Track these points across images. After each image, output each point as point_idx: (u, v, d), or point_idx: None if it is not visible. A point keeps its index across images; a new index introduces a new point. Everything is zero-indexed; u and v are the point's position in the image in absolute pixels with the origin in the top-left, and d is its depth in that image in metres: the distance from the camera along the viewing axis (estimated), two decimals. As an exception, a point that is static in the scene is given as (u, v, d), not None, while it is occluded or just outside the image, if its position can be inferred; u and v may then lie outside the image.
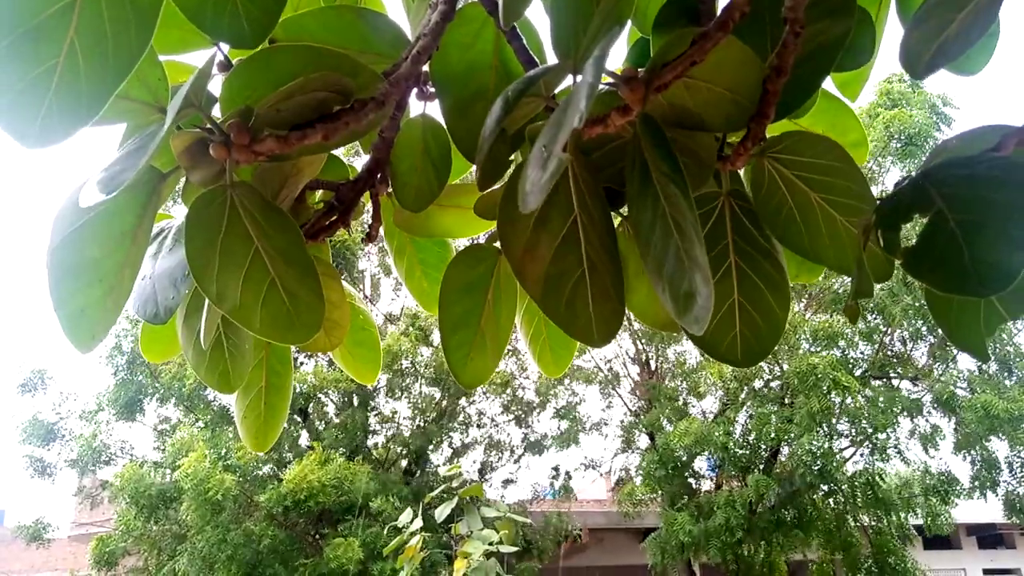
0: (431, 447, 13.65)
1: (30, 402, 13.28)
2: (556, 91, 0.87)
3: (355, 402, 13.38)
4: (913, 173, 0.75)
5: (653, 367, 15.78)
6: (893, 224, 0.69)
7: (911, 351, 14.46)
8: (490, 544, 4.94)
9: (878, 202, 0.76)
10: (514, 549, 5.27)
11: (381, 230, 1.26)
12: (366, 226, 1.21)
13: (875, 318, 13.43)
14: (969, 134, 0.75)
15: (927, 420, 13.46)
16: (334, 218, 1.08)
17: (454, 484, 5.76)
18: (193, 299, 1.10)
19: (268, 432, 1.26)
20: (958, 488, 13.12)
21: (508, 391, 14.12)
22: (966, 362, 14.15)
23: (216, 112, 0.92)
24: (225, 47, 0.98)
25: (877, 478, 12.98)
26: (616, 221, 1.00)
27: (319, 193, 1.22)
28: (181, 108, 0.77)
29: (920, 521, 13.56)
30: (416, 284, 1.31)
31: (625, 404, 15.65)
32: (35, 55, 0.59)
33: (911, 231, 0.70)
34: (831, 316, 12.85)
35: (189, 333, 1.13)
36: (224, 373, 1.15)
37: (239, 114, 0.86)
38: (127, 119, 0.92)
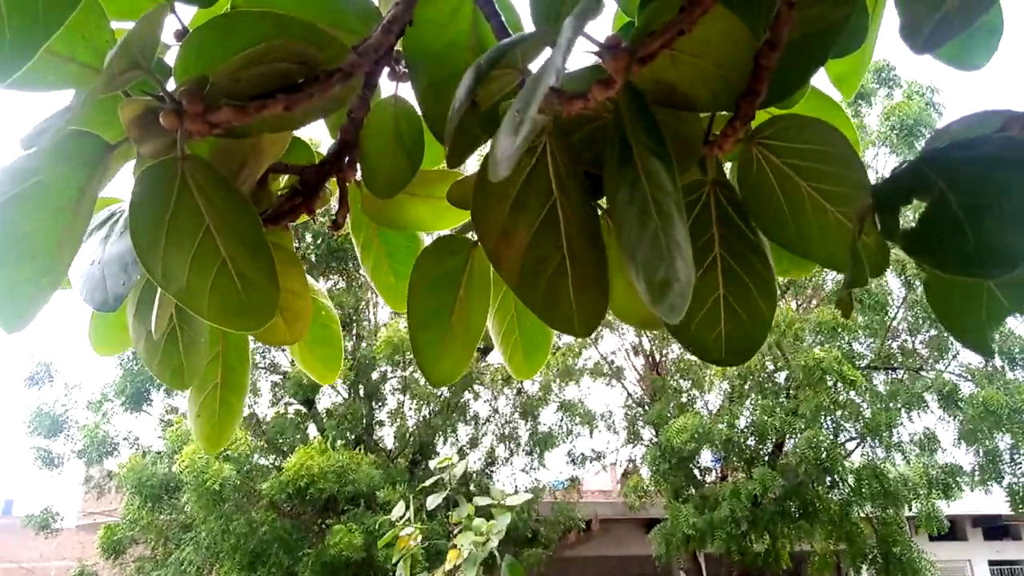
0: (437, 439, 13.50)
1: (36, 395, 13.13)
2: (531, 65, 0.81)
3: (361, 393, 13.23)
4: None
5: (657, 360, 15.70)
6: (891, 208, 0.65)
7: (915, 343, 14.44)
8: (480, 534, 4.91)
9: (874, 187, 0.71)
10: (497, 540, 5.21)
11: (348, 222, 1.20)
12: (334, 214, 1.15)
13: (873, 315, 13.36)
14: (971, 118, 0.71)
15: (931, 413, 13.41)
16: (298, 202, 1.01)
17: (445, 477, 5.69)
18: (146, 288, 1.03)
19: (223, 431, 1.19)
20: (962, 480, 13.05)
21: (513, 385, 13.98)
22: (969, 355, 14.12)
23: (173, 86, 0.85)
24: (184, 12, 0.92)
25: (882, 471, 12.90)
26: (602, 213, 0.95)
27: (284, 179, 1.15)
28: (126, 68, 0.70)
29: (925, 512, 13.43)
30: (383, 279, 1.24)
31: (630, 396, 15.55)
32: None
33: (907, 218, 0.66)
34: (834, 308, 12.79)
35: (141, 325, 1.06)
36: (178, 368, 1.08)
37: (193, 81, 0.79)
38: (75, 85, 0.86)
